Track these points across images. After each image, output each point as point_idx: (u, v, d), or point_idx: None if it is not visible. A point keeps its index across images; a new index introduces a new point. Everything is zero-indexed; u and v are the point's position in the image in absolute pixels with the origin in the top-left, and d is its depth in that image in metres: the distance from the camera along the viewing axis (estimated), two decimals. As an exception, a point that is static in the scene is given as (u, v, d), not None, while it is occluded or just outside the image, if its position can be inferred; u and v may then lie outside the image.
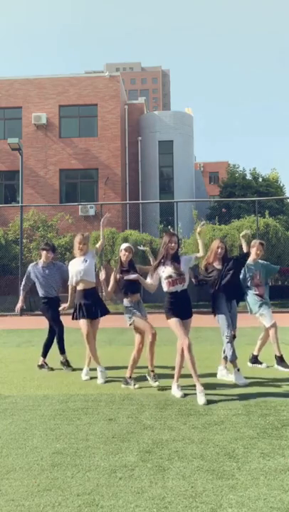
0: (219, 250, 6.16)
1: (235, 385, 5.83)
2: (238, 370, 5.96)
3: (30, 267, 7.31)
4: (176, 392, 5.35)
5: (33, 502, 2.94)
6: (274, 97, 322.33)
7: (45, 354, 7.14)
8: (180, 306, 5.41)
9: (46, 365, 7.06)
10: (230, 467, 3.41)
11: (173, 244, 5.46)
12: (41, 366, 7.07)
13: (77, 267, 6.32)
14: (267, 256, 19.17)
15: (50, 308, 7.12)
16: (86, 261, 6.33)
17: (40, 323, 7.29)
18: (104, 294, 6.19)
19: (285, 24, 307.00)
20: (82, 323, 6.21)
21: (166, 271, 5.43)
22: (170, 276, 5.40)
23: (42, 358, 7.13)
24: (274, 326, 6.78)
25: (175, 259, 5.48)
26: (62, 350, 7.07)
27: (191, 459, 3.57)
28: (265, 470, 3.35)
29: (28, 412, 4.87)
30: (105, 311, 6.43)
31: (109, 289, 5.98)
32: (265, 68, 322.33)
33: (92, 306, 6.25)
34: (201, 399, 5.05)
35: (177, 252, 5.52)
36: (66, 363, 7.02)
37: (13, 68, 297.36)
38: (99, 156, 25.20)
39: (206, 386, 5.79)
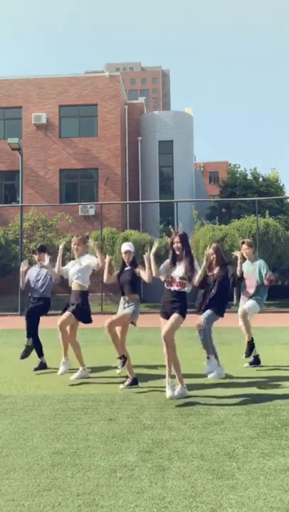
0: (211, 257, 6.34)
1: (235, 385, 5.83)
2: (208, 358, 6.15)
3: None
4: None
5: (33, 502, 2.94)
6: (275, 96, 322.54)
7: (41, 353, 7.14)
8: (165, 306, 5.41)
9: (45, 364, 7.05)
10: (230, 467, 3.41)
11: (175, 245, 5.41)
12: (44, 366, 7.05)
13: (72, 268, 6.54)
14: (267, 256, 19.25)
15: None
16: (80, 264, 6.45)
17: (41, 323, 7.28)
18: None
19: (286, 24, 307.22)
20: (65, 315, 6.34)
21: (175, 271, 5.39)
22: (172, 278, 5.39)
23: (40, 359, 7.14)
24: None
25: (188, 259, 5.38)
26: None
27: (191, 458, 3.57)
28: (265, 470, 3.35)
29: (28, 412, 4.87)
30: (83, 319, 6.40)
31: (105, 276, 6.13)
32: (265, 68, 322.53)
33: (73, 306, 6.34)
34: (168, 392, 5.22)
35: (187, 251, 5.41)
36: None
37: (13, 68, 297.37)
38: (99, 156, 25.21)
39: (206, 386, 5.79)
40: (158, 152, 26.95)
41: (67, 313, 6.33)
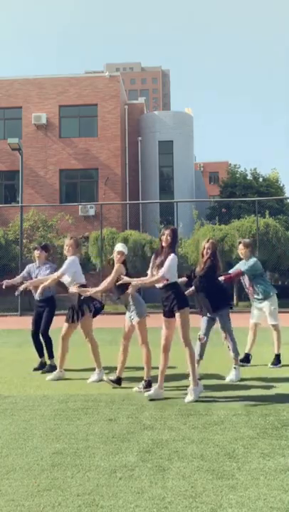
0: (205, 251, 6.16)
1: (235, 385, 5.83)
2: (235, 368, 6.15)
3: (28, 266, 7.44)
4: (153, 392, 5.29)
5: (33, 502, 2.93)
6: (275, 96, 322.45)
7: (42, 353, 7.15)
8: (163, 304, 5.36)
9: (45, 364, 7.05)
10: (230, 467, 3.41)
11: (164, 237, 5.29)
12: (44, 366, 7.05)
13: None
14: (267, 256, 19.22)
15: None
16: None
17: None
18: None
19: (285, 24, 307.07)
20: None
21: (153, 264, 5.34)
22: (154, 275, 5.32)
23: (40, 359, 7.14)
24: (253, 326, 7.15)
25: (166, 253, 5.25)
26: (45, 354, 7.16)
27: (191, 459, 3.57)
28: (265, 470, 3.35)
29: (28, 412, 4.87)
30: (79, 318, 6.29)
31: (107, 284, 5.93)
32: (266, 67, 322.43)
33: (73, 312, 6.32)
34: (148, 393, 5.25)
35: (172, 246, 5.29)
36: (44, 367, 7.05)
37: (13, 68, 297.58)
38: (99, 156, 25.21)
39: (206, 387, 5.79)
40: (158, 152, 26.96)
41: (66, 325, 6.38)
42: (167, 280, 5.22)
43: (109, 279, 5.74)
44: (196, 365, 5.39)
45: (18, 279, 7.24)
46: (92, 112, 25.51)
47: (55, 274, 6.33)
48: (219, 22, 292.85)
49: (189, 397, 5.14)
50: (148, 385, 5.62)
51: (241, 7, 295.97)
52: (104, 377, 5.85)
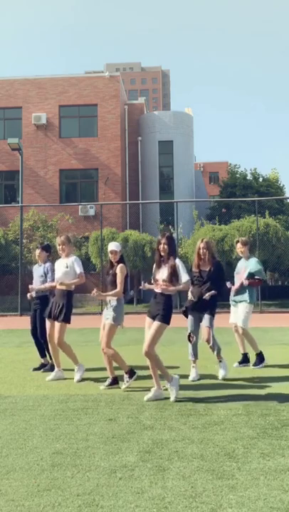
0: (201, 251, 6.20)
1: (235, 385, 5.83)
2: (220, 361, 6.21)
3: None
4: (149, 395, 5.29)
5: (33, 502, 2.93)
6: (275, 96, 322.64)
7: (43, 353, 7.14)
8: (151, 306, 5.37)
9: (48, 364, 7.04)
10: (230, 467, 3.41)
11: (161, 246, 5.29)
12: (44, 366, 7.04)
13: (58, 270, 6.47)
14: (267, 256, 19.22)
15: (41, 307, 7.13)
16: (67, 266, 6.37)
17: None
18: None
19: (284, 24, 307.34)
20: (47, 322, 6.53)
21: (159, 273, 5.32)
22: (156, 280, 5.32)
23: (43, 359, 7.14)
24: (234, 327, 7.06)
25: (172, 262, 5.26)
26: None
27: (191, 459, 3.57)
28: (265, 470, 3.35)
29: (28, 412, 4.87)
30: (58, 317, 6.27)
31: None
32: (265, 67, 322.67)
33: (54, 307, 6.35)
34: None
35: (172, 253, 5.30)
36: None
37: (13, 68, 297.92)
38: (99, 156, 25.22)
39: (206, 386, 5.79)
40: (158, 152, 26.98)
41: (49, 324, 6.44)
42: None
43: (119, 281, 5.77)
44: (162, 363, 5.26)
45: (41, 286, 7.19)
46: (92, 112, 25.52)
47: (78, 277, 6.32)
48: (219, 22, 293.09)
49: (172, 397, 5.16)
50: (131, 375, 5.75)
51: (242, 7, 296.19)
52: (101, 387, 5.79)
